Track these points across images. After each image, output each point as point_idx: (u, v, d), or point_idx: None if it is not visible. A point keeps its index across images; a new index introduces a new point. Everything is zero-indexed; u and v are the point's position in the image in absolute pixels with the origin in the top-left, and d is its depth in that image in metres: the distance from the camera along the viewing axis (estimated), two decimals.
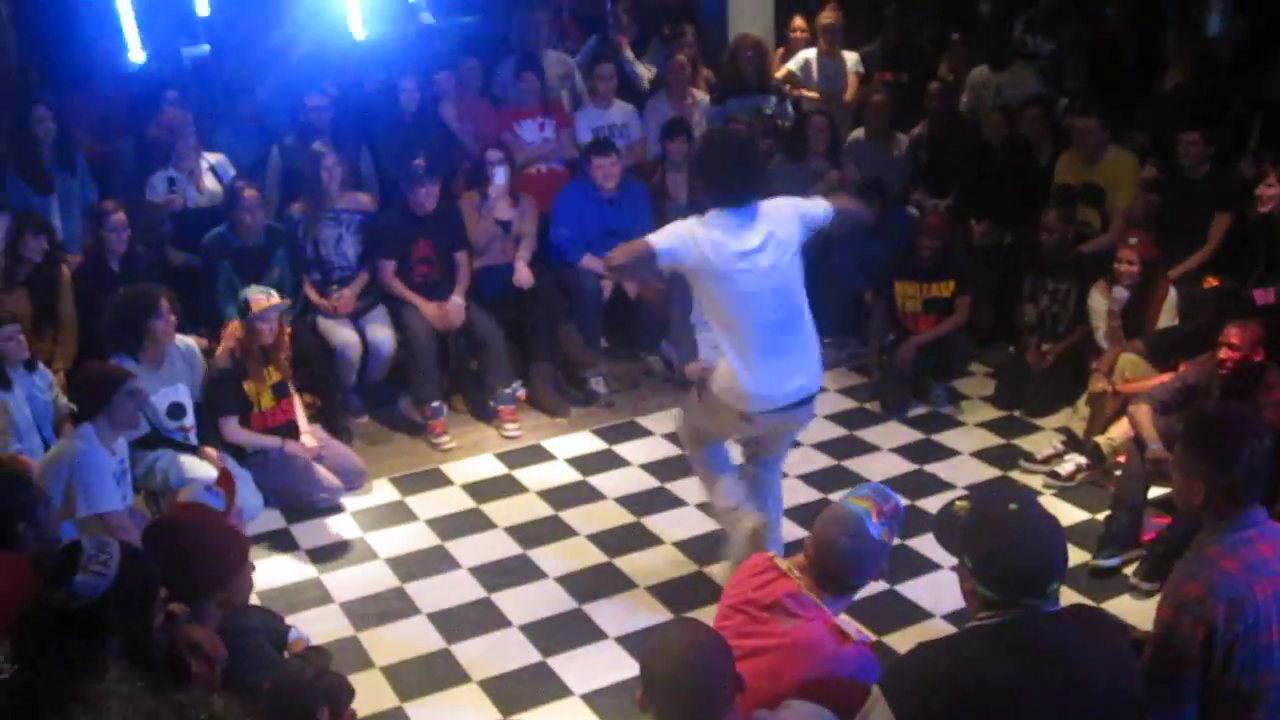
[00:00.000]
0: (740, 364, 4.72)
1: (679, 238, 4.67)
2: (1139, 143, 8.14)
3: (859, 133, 8.77)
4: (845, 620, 3.44)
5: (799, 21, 9.81)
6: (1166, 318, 6.49)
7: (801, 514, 5.74)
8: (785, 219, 4.77)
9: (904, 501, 3.67)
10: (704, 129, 8.63)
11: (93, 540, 3.14)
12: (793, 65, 9.55)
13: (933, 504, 5.92)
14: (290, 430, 6.31)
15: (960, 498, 3.25)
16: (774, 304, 4.72)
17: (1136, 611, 4.88)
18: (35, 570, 3.20)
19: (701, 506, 6.16)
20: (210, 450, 6.05)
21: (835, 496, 4.78)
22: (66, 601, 3.04)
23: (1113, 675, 2.82)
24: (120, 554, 3.11)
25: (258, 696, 3.47)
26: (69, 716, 2.93)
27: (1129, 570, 5.32)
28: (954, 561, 3.04)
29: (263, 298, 6.12)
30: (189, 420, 6.05)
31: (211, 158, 7.64)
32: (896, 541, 5.49)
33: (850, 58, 9.55)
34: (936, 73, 9.63)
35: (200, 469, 5.79)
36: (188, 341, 6.20)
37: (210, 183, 7.54)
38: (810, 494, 6.21)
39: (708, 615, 3.61)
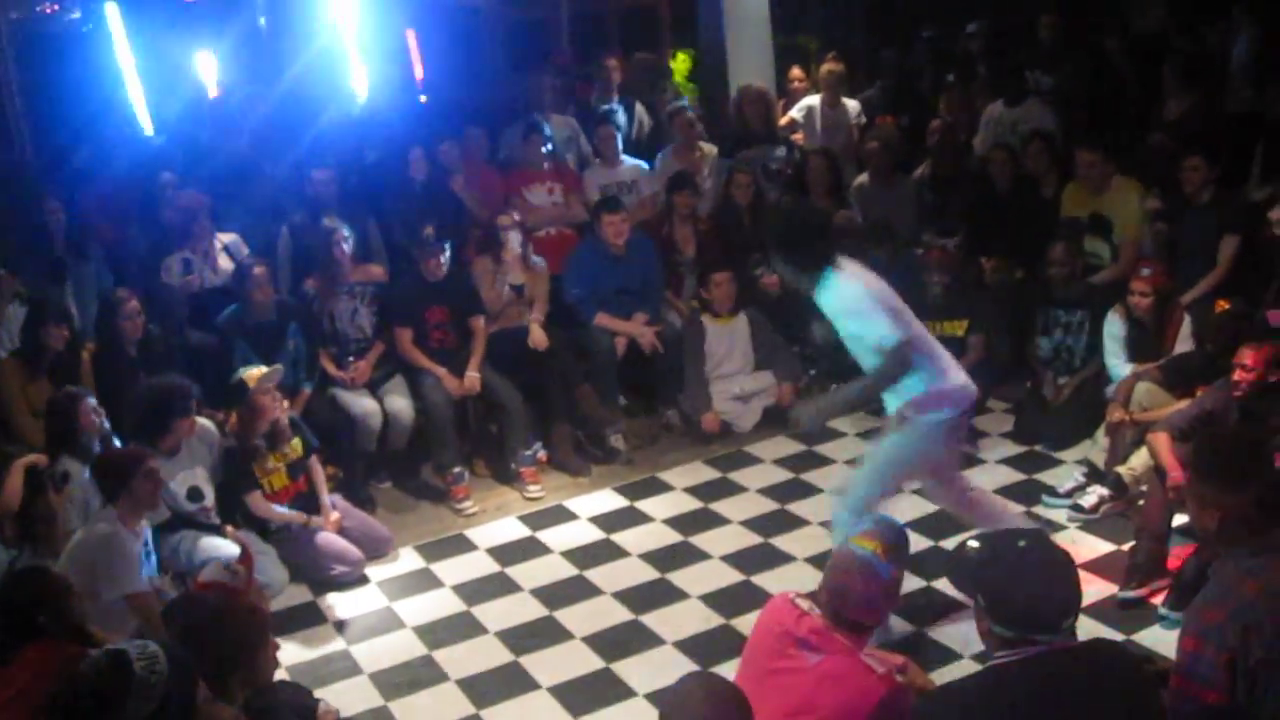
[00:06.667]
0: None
1: (872, 304, 4.86)
2: (1144, 174, 8.14)
3: (863, 177, 8.80)
4: (871, 653, 3.45)
5: (797, 72, 9.90)
6: (1182, 344, 6.48)
7: (823, 561, 5.70)
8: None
9: (904, 524, 3.68)
10: (713, 182, 8.72)
11: (142, 659, 2.98)
12: (795, 113, 9.62)
13: (956, 544, 5.87)
14: (310, 503, 6.36)
15: (972, 536, 3.24)
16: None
17: (1165, 641, 4.80)
18: (74, 680, 3.07)
19: (726, 558, 6.16)
20: (231, 529, 6.10)
21: None
22: None
23: (1134, 709, 2.80)
24: (168, 670, 2.98)
25: None
26: None
27: (1157, 600, 5.29)
28: None
29: (254, 371, 6.21)
30: (208, 501, 6.09)
31: (225, 238, 7.72)
32: (923, 584, 5.59)
33: (852, 107, 9.61)
34: (937, 113, 9.66)
35: (222, 548, 5.82)
36: (204, 422, 6.23)
37: (225, 263, 7.60)
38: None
39: (736, 669, 3.61)
